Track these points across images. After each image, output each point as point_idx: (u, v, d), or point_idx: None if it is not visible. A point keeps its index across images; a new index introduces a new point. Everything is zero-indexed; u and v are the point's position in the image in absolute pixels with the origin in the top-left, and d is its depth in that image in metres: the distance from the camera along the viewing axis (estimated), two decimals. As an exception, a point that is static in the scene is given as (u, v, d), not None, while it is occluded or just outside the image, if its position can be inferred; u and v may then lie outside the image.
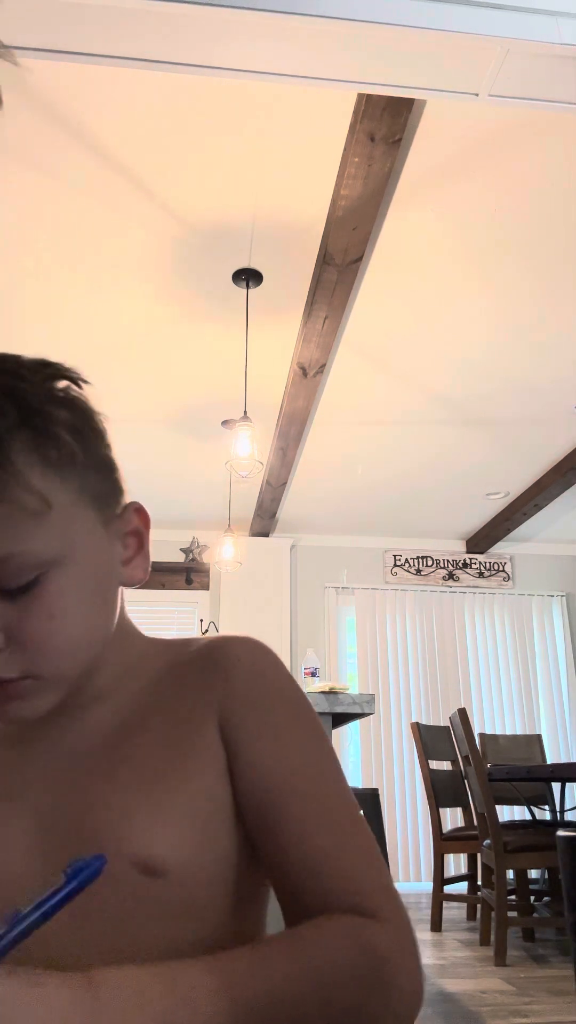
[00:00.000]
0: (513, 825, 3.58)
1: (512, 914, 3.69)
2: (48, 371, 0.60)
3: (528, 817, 4.48)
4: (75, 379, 0.62)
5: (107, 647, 0.64)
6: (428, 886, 5.46)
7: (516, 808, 5.42)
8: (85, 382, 0.63)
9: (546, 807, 4.30)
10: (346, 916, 0.54)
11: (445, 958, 3.27)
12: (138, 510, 0.64)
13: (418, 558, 6.45)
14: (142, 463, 5.07)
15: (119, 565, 0.63)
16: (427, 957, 3.29)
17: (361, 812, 0.62)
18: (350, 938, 0.52)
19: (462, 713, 3.65)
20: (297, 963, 0.50)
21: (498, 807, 4.23)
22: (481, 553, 6.52)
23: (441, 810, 4.21)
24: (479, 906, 3.84)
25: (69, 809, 0.57)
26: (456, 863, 5.30)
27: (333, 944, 0.52)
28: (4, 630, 0.55)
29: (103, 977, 0.45)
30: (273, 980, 0.49)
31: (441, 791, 4.13)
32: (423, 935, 3.79)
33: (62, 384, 0.60)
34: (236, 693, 0.63)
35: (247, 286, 3.22)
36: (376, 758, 5.82)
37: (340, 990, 0.50)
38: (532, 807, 4.15)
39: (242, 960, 0.50)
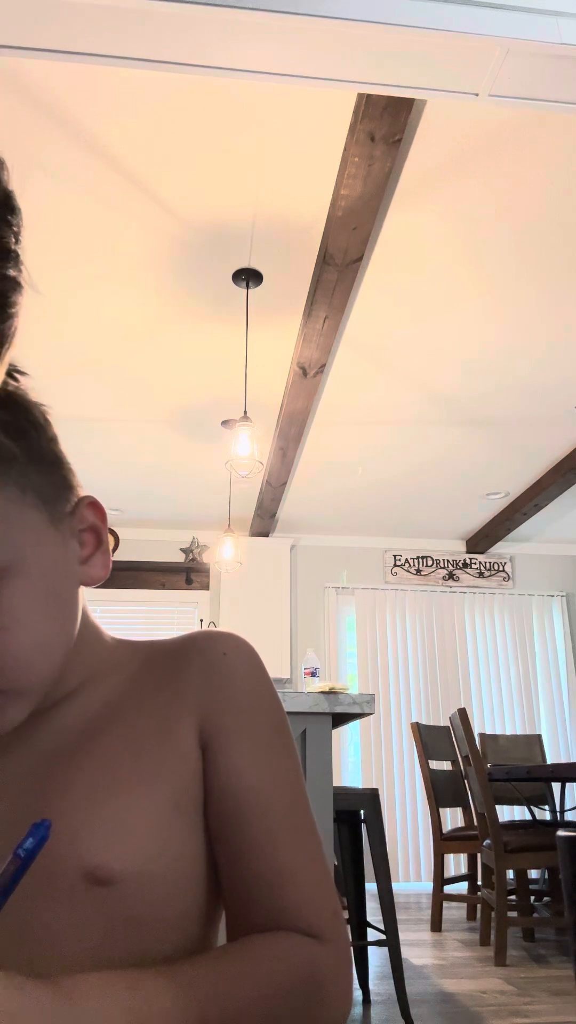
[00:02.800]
0: (513, 825, 3.58)
1: (512, 914, 3.69)
2: None
3: (528, 817, 4.48)
4: (9, 372, 0.59)
5: (73, 649, 0.62)
6: (428, 886, 5.46)
7: (516, 808, 5.42)
8: (22, 373, 0.60)
9: (546, 807, 4.30)
10: (296, 936, 0.55)
11: (445, 958, 3.27)
12: (91, 504, 0.61)
13: (418, 558, 6.45)
14: (142, 463, 5.07)
15: (76, 564, 0.60)
16: (427, 957, 3.29)
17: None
18: (299, 958, 0.54)
19: (462, 713, 3.65)
20: (250, 977, 0.51)
21: (498, 807, 4.23)
22: (481, 553, 6.52)
23: (441, 810, 4.22)
24: (479, 906, 3.84)
25: (28, 813, 0.55)
26: (456, 863, 5.31)
27: (283, 962, 0.53)
28: None
29: (69, 982, 0.45)
30: (229, 990, 0.50)
31: (441, 791, 4.13)
32: (423, 935, 3.79)
33: None
34: (221, 691, 0.61)
35: (247, 286, 3.22)
36: (376, 758, 5.82)
37: (284, 1006, 0.52)
38: (532, 807, 4.15)
39: (201, 969, 0.50)
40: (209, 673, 0.62)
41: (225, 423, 4.50)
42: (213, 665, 0.62)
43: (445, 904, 4.75)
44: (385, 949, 3.34)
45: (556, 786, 4.31)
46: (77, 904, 0.53)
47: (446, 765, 4.58)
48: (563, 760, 6.05)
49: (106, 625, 5.90)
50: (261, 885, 0.57)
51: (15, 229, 0.41)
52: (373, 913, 4.11)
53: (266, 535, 6.19)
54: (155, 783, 0.57)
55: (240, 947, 0.54)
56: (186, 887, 0.57)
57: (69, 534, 0.59)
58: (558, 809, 4.20)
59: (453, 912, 4.55)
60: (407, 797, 5.77)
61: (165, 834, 0.56)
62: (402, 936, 3.75)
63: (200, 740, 0.60)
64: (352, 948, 2.70)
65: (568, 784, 4.85)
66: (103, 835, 0.54)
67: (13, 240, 0.41)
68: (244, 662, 0.63)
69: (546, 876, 4.13)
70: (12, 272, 0.41)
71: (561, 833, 1.46)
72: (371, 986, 2.79)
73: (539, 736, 4.80)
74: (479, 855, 4.02)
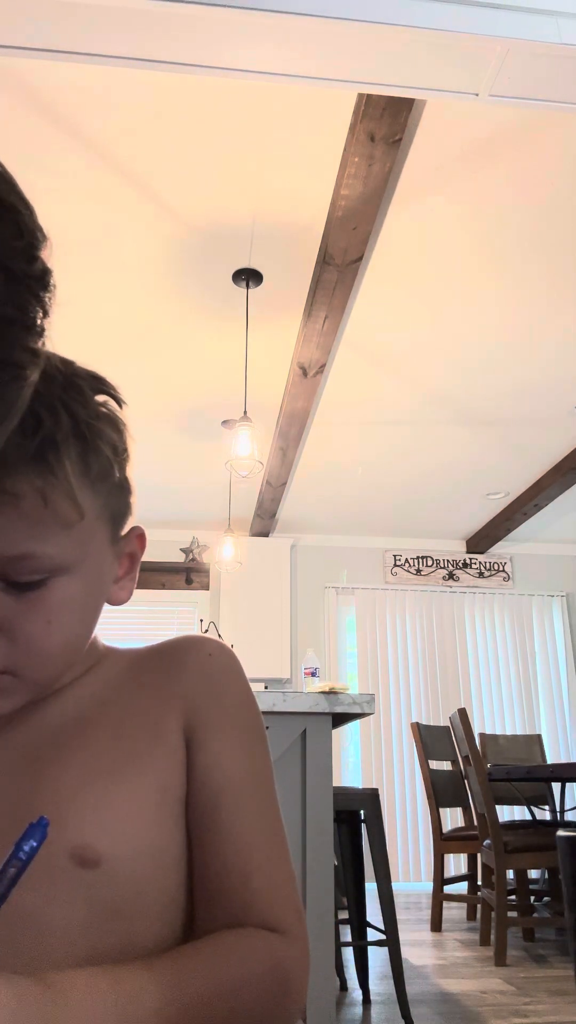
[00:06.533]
0: (513, 825, 3.58)
1: (512, 914, 3.69)
2: (97, 384, 0.61)
3: (528, 817, 4.48)
4: (118, 398, 0.64)
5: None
6: (428, 886, 5.46)
7: (516, 808, 5.42)
8: (124, 403, 0.65)
9: (546, 807, 4.30)
10: (264, 932, 0.58)
11: (445, 958, 3.27)
12: (140, 536, 0.67)
13: (418, 558, 6.45)
14: (142, 463, 5.06)
15: (111, 582, 0.65)
16: (427, 957, 3.29)
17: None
18: (269, 954, 0.57)
19: (462, 713, 3.65)
20: (227, 972, 0.54)
21: (498, 807, 4.23)
22: (481, 553, 6.52)
23: (441, 810, 4.21)
24: (479, 906, 3.84)
25: (18, 799, 0.57)
26: (456, 863, 5.31)
27: (256, 958, 0.56)
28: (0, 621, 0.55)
29: (56, 978, 0.46)
30: (207, 986, 0.52)
31: (441, 791, 4.13)
32: (423, 935, 3.79)
33: (102, 398, 0.62)
34: (207, 690, 0.65)
35: (247, 286, 3.22)
36: (376, 758, 5.82)
37: (257, 1000, 0.55)
38: (532, 807, 4.15)
39: (182, 964, 0.52)
40: (195, 672, 0.65)
41: (225, 423, 4.50)
42: (199, 665, 0.66)
43: (445, 904, 4.74)
44: (385, 949, 3.34)
45: (556, 786, 4.31)
46: (62, 888, 0.54)
47: (446, 765, 4.57)
48: (563, 760, 6.05)
49: (106, 625, 5.90)
50: (231, 878, 0.60)
51: (45, 306, 0.43)
52: (373, 913, 4.11)
53: (266, 535, 6.19)
54: (142, 772, 0.59)
55: (216, 943, 0.56)
56: (169, 877, 0.59)
57: (116, 554, 0.64)
58: (558, 809, 4.20)
59: (453, 912, 4.55)
60: (407, 797, 5.77)
61: (150, 821, 0.58)
62: (402, 936, 3.75)
63: (185, 734, 0.63)
64: (352, 948, 2.70)
65: (568, 784, 4.85)
66: (89, 816, 0.55)
67: (40, 315, 0.43)
68: (228, 665, 0.67)
69: (546, 876, 4.13)
70: (33, 346, 0.43)
71: (561, 833, 1.46)
72: (371, 986, 2.79)
73: (539, 736, 4.80)
74: (479, 855, 4.02)
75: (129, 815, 0.57)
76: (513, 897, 3.56)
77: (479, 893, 3.81)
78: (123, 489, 0.63)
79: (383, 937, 2.44)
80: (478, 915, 4.23)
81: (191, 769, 0.62)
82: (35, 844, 0.45)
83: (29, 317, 0.42)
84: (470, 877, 4.19)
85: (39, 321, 0.43)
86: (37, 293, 0.42)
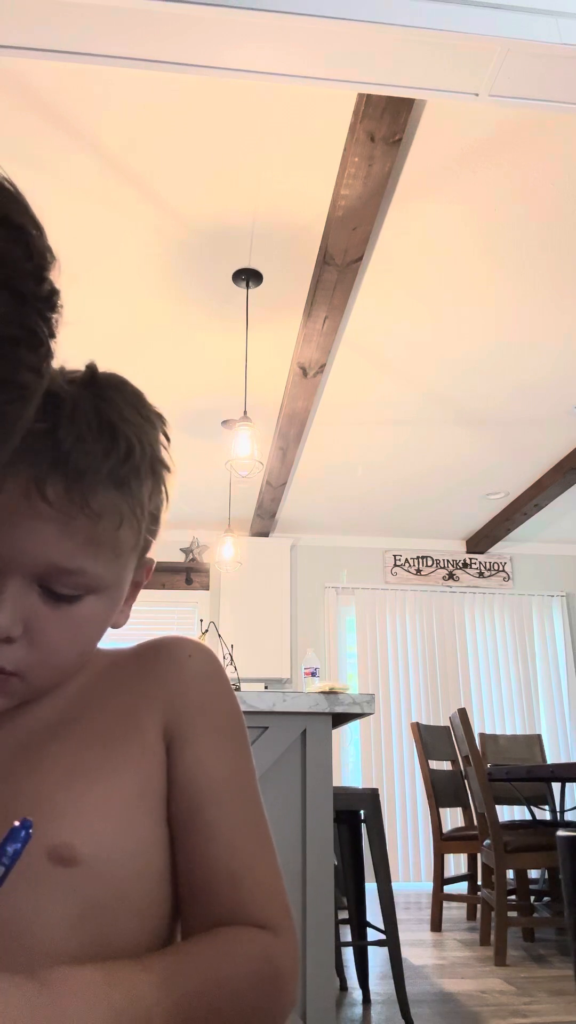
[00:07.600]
0: (513, 825, 3.58)
1: (512, 914, 3.69)
2: (162, 425, 0.63)
3: (528, 817, 4.48)
4: (168, 438, 0.65)
5: None
6: (428, 886, 5.46)
7: (516, 808, 5.42)
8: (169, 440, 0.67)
9: (546, 807, 4.30)
10: (255, 930, 0.59)
11: (445, 958, 3.27)
12: (150, 567, 0.68)
13: (418, 558, 6.45)
14: (142, 463, 5.06)
15: (121, 607, 0.66)
16: (427, 957, 3.29)
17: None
18: (262, 952, 0.57)
19: (462, 713, 3.65)
20: (221, 971, 0.54)
21: (498, 807, 4.23)
22: (481, 553, 6.52)
23: (441, 810, 4.21)
24: (479, 906, 3.84)
25: None
26: (456, 863, 5.30)
27: (250, 956, 0.56)
28: (26, 623, 0.56)
29: (49, 976, 0.46)
30: (202, 984, 0.52)
31: (441, 791, 4.13)
32: (423, 935, 3.79)
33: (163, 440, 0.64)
34: (188, 690, 0.65)
35: (247, 286, 3.22)
36: (376, 758, 5.82)
37: (251, 997, 0.55)
38: (532, 807, 4.15)
39: (176, 963, 0.52)
40: (175, 673, 0.65)
41: (225, 423, 4.50)
42: (179, 666, 0.66)
43: (445, 904, 4.74)
44: (385, 949, 3.34)
45: (556, 786, 4.31)
46: (43, 887, 0.54)
47: (446, 765, 4.57)
48: (563, 760, 6.05)
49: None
50: (220, 878, 0.60)
51: (52, 326, 0.44)
52: (373, 913, 4.11)
53: (266, 535, 6.19)
54: (121, 772, 0.60)
55: (208, 941, 0.56)
56: (151, 875, 0.59)
57: (131, 582, 0.66)
58: (558, 809, 4.20)
59: (453, 912, 4.55)
60: (407, 797, 5.77)
61: (130, 820, 0.58)
62: (402, 936, 3.75)
63: (165, 736, 0.63)
64: (352, 948, 2.70)
65: (568, 784, 4.85)
66: (67, 815, 0.55)
67: (46, 334, 0.44)
68: (208, 665, 0.67)
69: (546, 876, 4.13)
70: (35, 363, 0.44)
71: (561, 833, 1.46)
72: (371, 986, 2.79)
73: (539, 736, 4.80)
74: (479, 855, 4.02)
75: (108, 814, 0.57)
76: (513, 897, 3.56)
77: (479, 893, 3.81)
78: (154, 528, 0.65)
79: (383, 937, 2.44)
80: (478, 915, 4.23)
81: (172, 771, 0.62)
82: (18, 847, 0.45)
83: (35, 338, 0.43)
84: (470, 877, 4.19)
85: (44, 340, 0.44)
86: (44, 314, 0.43)
